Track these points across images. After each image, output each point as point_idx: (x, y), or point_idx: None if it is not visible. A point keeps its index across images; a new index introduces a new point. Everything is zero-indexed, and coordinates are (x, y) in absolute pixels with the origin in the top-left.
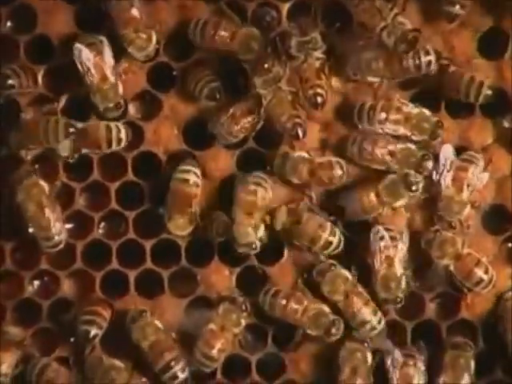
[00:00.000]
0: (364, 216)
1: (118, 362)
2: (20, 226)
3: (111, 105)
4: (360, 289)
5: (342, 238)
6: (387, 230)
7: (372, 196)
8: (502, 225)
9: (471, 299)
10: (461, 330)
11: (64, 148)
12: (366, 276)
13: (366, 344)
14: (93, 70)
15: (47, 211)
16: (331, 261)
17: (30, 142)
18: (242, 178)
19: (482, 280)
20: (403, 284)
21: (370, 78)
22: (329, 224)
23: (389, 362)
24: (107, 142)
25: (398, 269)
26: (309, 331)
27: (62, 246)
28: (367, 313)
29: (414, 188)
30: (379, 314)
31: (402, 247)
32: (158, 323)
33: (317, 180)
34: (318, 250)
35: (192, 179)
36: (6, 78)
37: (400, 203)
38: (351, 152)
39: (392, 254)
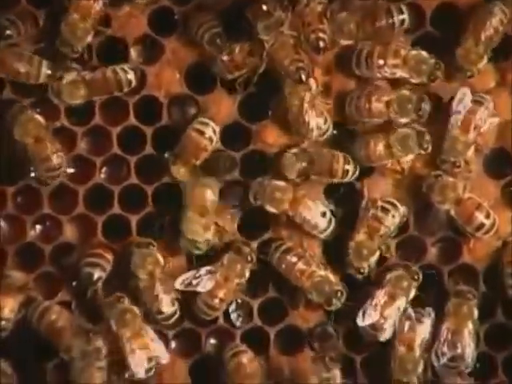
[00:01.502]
0: (367, 163)
1: (135, 308)
2: (22, 171)
3: (73, 43)
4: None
5: (356, 164)
6: (384, 201)
7: (381, 145)
8: (504, 169)
9: (473, 244)
10: (462, 274)
11: (74, 96)
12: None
13: (416, 277)
14: (81, 5)
15: (46, 143)
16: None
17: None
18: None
19: (483, 225)
20: (374, 258)
21: (343, 41)
22: (340, 154)
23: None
24: (118, 86)
25: (377, 242)
26: (309, 296)
27: (61, 178)
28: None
29: (425, 146)
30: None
31: (391, 227)
32: (160, 258)
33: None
34: (338, 180)
35: (208, 133)
36: (3, 29)
37: (408, 158)
38: (350, 112)
39: (377, 228)
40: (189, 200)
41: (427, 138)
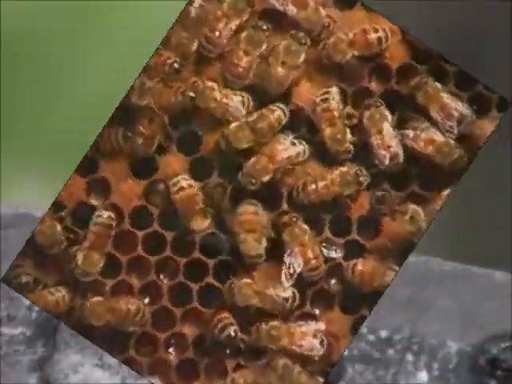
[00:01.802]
0: (281, 88)
1: (273, 321)
2: (123, 342)
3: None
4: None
5: (284, 107)
6: (318, 96)
7: (279, 68)
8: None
9: (389, 53)
10: (402, 74)
11: (94, 265)
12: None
13: (378, 103)
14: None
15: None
16: None
17: None
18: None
19: (380, 38)
20: (348, 135)
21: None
22: (264, 109)
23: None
24: (107, 228)
25: (340, 123)
26: (346, 193)
27: (142, 312)
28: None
29: (304, 42)
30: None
31: (339, 105)
32: (247, 280)
33: None
34: (279, 127)
35: (185, 183)
36: None
37: (301, 59)
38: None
39: (332, 115)
40: (234, 227)
41: (301, 34)
